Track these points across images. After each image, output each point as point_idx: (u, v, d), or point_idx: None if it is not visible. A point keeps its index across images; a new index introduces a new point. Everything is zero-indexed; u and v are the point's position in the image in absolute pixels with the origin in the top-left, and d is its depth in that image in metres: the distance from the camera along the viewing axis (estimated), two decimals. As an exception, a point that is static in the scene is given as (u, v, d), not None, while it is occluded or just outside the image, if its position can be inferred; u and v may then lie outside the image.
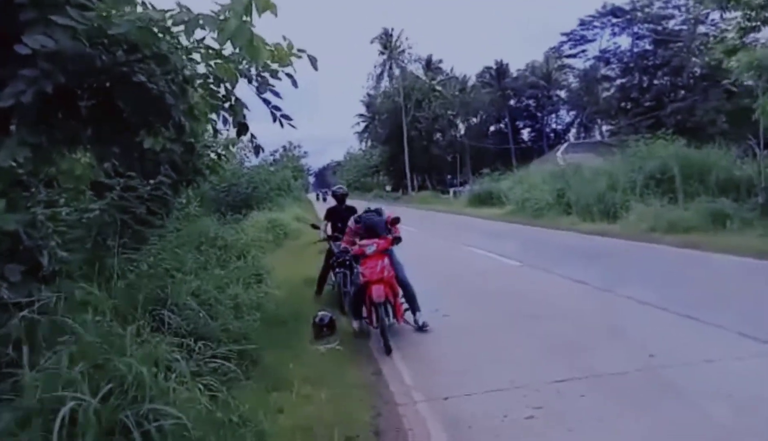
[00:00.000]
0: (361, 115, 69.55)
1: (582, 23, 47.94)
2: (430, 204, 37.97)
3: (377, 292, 6.10)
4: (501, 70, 62.50)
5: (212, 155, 10.94)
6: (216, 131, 6.28)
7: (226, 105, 4.83)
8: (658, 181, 17.76)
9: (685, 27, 43.55)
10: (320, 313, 6.76)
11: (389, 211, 7.45)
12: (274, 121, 4.66)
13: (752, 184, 15.23)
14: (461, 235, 15.80)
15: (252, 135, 5.05)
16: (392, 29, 63.50)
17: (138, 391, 3.17)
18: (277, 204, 26.08)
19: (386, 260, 6.44)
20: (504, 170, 41.22)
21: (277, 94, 4.52)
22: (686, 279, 8.71)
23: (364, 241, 6.56)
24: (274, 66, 4.48)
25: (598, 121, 57.17)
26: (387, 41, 63.68)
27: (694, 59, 43.24)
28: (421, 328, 6.62)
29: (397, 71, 63.06)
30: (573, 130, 63.23)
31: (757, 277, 8.54)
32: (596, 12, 46.34)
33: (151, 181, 7.37)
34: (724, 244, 11.56)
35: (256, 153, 5.39)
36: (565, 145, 50.20)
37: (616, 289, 8.01)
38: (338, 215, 8.78)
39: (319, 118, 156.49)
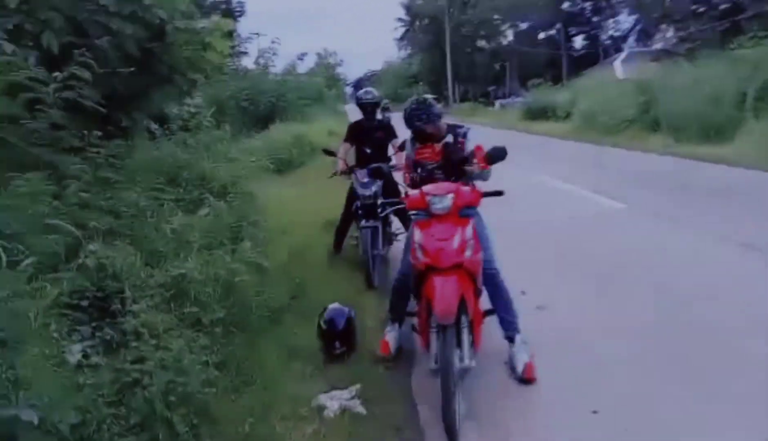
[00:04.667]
0: (400, 20, 63.63)
1: None
2: (477, 117, 33.87)
3: (445, 299, 2.91)
4: (556, -32, 55.41)
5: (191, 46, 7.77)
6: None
7: None
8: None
9: None
10: (331, 308, 3.85)
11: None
12: None
13: None
14: (531, 160, 12.28)
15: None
16: None
17: None
18: (307, 116, 23.14)
19: (468, 230, 3.20)
20: (553, 81, 36.91)
21: None
22: None
23: (429, 187, 3.32)
24: None
25: (663, 26, 50.76)
26: (431, -66, 56.74)
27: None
28: (522, 378, 3.46)
29: (440, -32, 56.62)
30: (631, 38, 56.73)
31: None
32: None
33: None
34: None
35: None
36: (625, 53, 44.50)
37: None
38: (365, 135, 5.63)
39: (354, 28, 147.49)
